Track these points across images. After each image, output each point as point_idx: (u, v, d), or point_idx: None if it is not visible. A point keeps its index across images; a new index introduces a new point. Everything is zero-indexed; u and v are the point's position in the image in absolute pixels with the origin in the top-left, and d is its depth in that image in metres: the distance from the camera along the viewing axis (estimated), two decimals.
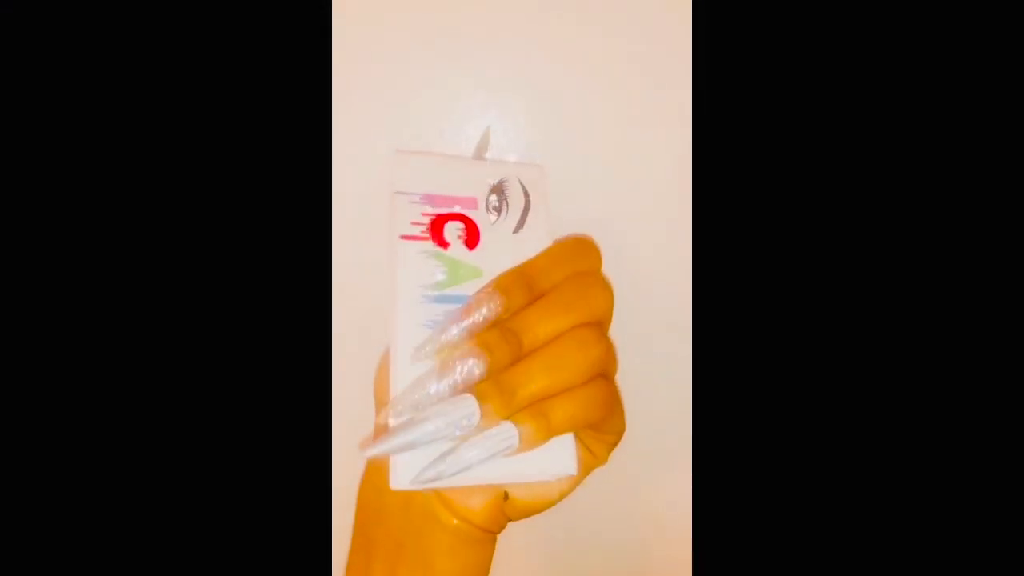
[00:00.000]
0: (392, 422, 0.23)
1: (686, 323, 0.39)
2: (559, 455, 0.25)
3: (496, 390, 0.23)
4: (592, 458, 0.28)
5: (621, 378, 0.29)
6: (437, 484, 0.23)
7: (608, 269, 0.30)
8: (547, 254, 0.26)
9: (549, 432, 0.24)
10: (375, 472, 0.28)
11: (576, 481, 0.27)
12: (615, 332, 0.30)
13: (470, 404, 0.23)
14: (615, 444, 0.28)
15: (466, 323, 0.24)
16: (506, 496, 0.27)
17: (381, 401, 0.27)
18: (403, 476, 0.23)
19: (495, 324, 0.24)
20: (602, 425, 0.26)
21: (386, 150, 0.36)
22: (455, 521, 0.26)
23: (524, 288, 0.25)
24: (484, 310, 0.24)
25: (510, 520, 0.28)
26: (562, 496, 0.28)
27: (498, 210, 0.28)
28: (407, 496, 0.27)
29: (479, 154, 0.28)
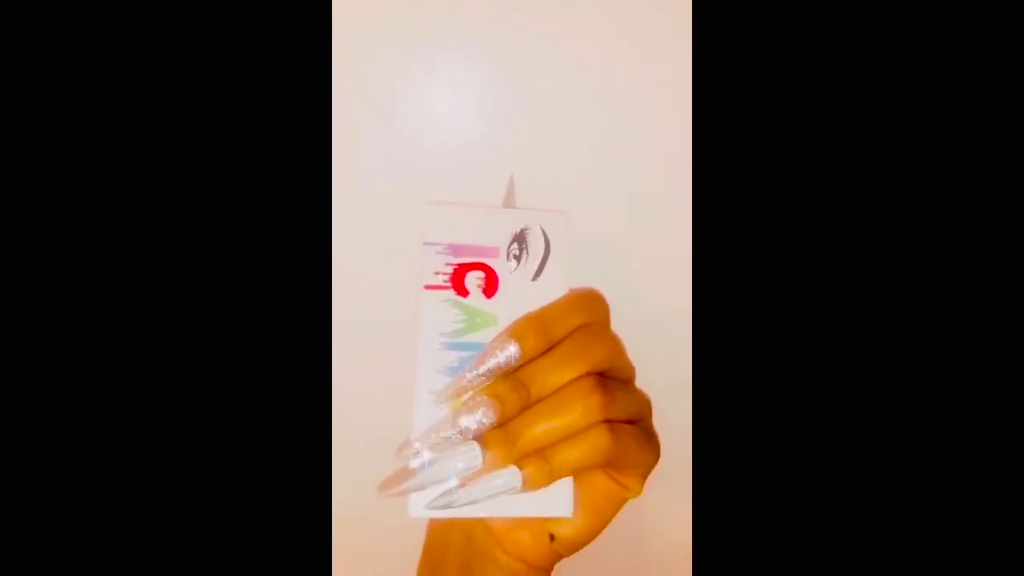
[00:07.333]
0: (412, 463, 0.27)
1: (686, 330, 0.39)
2: (558, 497, 0.28)
3: (502, 438, 0.26)
4: (623, 490, 0.30)
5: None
6: (448, 513, 0.27)
7: (609, 282, 0.31)
8: (560, 304, 0.29)
9: (551, 476, 0.26)
10: None
11: (613, 512, 0.30)
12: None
13: (474, 452, 0.26)
14: (646, 475, 0.30)
15: (481, 369, 0.27)
16: (552, 538, 0.30)
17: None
18: (418, 504, 0.27)
19: (507, 374, 0.27)
20: (620, 464, 0.28)
21: (386, 152, 0.36)
22: (510, 561, 0.30)
23: (538, 335, 0.27)
24: (499, 356, 0.27)
25: (561, 556, 0.31)
26: (604, 526, 0.30)
27: (518, 258, 0.29)
28: (468, 534, 0.31)
29: (507, 202, 0.29)
